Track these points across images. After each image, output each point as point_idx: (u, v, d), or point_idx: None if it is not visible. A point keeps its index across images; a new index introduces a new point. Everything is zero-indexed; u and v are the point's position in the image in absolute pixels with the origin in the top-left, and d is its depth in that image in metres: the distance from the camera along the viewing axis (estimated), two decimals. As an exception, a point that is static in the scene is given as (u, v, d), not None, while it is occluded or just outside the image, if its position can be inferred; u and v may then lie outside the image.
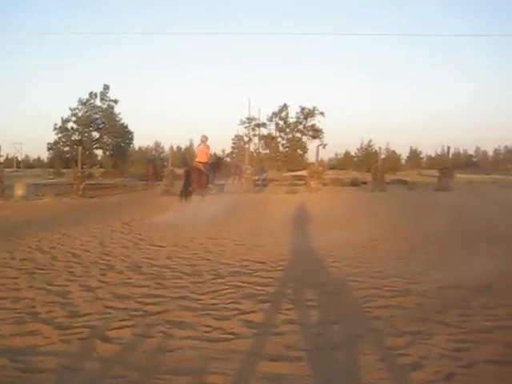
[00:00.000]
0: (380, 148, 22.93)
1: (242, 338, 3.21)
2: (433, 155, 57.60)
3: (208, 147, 13.46)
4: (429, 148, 79.82)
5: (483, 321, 3.42)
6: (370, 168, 23.40)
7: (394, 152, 54.24)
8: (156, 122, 72.65)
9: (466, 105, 68.87)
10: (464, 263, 5.42)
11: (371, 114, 76.10)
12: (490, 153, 66.20)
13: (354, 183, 24.81)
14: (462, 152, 66.98)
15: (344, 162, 52.91)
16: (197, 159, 13.27)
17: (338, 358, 2.93)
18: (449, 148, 30.55)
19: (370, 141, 51.94)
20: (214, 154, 23.71)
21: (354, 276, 4.95)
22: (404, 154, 57.26)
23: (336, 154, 60.58)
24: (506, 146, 65.32)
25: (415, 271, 5.10)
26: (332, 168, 47.04)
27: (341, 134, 78.77)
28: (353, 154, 53.00)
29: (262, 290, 4.39)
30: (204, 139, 13.31)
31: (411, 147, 65.97)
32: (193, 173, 13.06)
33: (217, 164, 15.36)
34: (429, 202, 15.10)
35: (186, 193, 12.94)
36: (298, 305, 3.94)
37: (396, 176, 32.41)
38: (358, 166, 44.32)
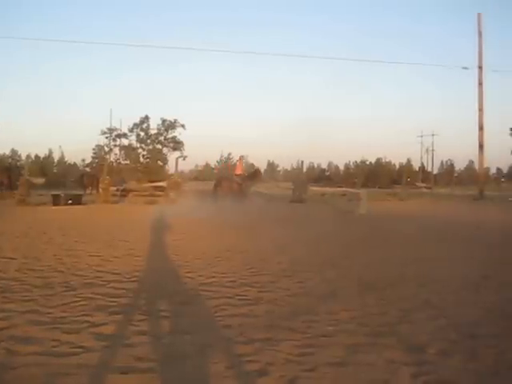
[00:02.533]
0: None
1: (91, 352, 3.16)
2: (289, 168, 62.61)
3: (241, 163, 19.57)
4: (285, 161, 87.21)
5: (327, 326, 3.76)
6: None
7: (252, 165, 57.49)
8: (13, 128, 69.97)
9: (322, 119, 77.42)
10: (313, 272, 5.94)
11: (232, 126, 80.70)
12: (341, 167, 75.05)
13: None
14: (315, 166, 74.39)
15: (204, 173, 54.53)
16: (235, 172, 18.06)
17: (188, 367, 2.95)
18: (302, 162, 33.01)
19: (229, 154, 54.28)
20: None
21: (208, 286, 5.08)
22: (262, 166, 61.37)
23: (196, 166, 61.88)
24: (356, 162, 74.85)
25: (267, 280, 5.42)
26: (194, 179, 47.98)
27: (202, 146, 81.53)
28: (212, 165, 54.92)
29: (115, 302, 4.36)
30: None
31: (269, 160, 70.62)
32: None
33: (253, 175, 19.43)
34: (284, 212, 16.39)
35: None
36: (151, 316, 3.95)
37: (255, 188, 34.68)
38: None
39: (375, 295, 4.77)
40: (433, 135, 62.35)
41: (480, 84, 27.82)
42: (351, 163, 75.03)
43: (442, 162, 75.47)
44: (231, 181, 20.97)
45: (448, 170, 72.89)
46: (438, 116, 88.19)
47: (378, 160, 74.01)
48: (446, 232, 10.76)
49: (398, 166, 73.09)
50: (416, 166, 69.01)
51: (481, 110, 27.77)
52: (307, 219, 14.29)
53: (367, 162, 73.67)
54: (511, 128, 68.56)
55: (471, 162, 68.52)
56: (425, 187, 45.58)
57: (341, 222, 13.65)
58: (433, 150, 62.20)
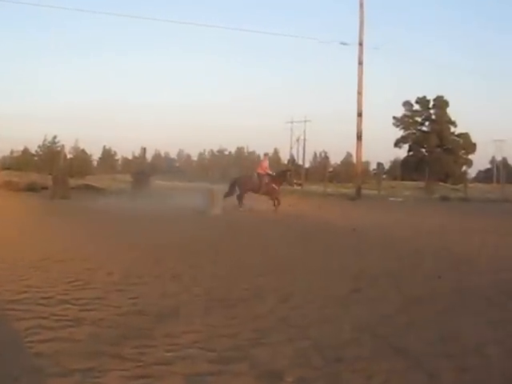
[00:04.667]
0: (64, 146, 23.51)
1: None
2: (130, 157, 61.47)
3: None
4: (126, 148, 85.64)
5: (164, 351, 3.92)
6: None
7: (83, 151, 55.27)
8: None
9: (174, 102, 77.52)
10: (151, 285, 6.14)
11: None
12: (195, 157, 75.88)
13: (32, 188, 25.60)
14: (163, 155, 74.17)
15: (22, 162, 50.91)
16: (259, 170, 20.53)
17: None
18: (145, 149, 32.82)
19: (55, 137, 51.37)
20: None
21: (17, 303, 5.00)
22: (96, 154, 59.35)
23: (12, 152, 57.43)
24: (212, 151, 76.39)
25: (92, 296, 5.45)
26: (6, 168, 44.69)
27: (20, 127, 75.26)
28: (33, 151, 51.60)
29: None
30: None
31: (105, 146, 68.27)
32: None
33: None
34: (118, 212, 16.33)
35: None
36: None
37: (85, 180, 33.62)
38: (39, 167, 43.72)
39: (225, 313, 5.06)
40: (305, 121, 66.28)
41: (360, 63, 30.64)
42: (206, 153, 76.55)
43: (315, 153, 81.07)
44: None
45: (322, 163, 78.52)
46: (312, 99, 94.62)
47: (240, 150, 76.44)
48: (315, 237, 11.81)
49: (262, 158, 76.12)
50: (284, 157, 72.78)
51: (360, 93, 30.58)
52: (143, 220, 14.52)
53: (226, 152, 75.67)
54: (395, 116, 77.82)
55: (349, 155, 74.93)
56: (295, 183, 48.48)
57: (189, 223, 14.05)
58: (305, 140, 66.34)
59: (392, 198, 31.53)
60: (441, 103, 74.07)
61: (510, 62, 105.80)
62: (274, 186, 20.24)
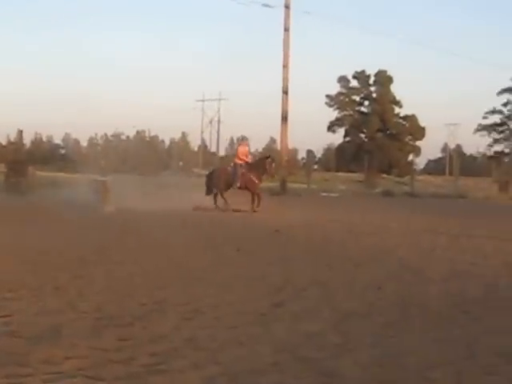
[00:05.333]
0: None
1: None
2: (4, 142, 59.23)
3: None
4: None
5: (42, 381, 3.84)
6: None
7: None
8: None
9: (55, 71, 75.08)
10: (27, 299, 6.03)
11: None
12: (84, 143, 74.33)
13: None
14: (44, 139, 72.17)
15: None
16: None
17: None
18: (22, 132, 31.84)
19: None
20: None
21: None
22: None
23: None
24: (106, 135, 75.00)
25: None
26: None
27: None
28: None
29: None
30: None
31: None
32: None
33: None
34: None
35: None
36: None
37: None
38: None
39: (117, 333, 5.04)
40: (219, 100, 66.30)
41: (286, 30, 31.01)
42: (98, 137, 75.30)
43: (231, 138, 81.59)
44: None
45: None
46: (229, 73, 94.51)
47: (140, 134, 76.09)
48: (230, 240, 11.92)
49: (168, 143, 75.92)
50: (195, 143, 72.76)
51: (286, 66, 31.00)
52: (18, 219, 14.39)
53: (123, 137, 75.30)
54: (328, 95, 78.81)
55: (272, 141, 75.93)
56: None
57: (75, 223, 13.97)
58: (219, 122, 66.30)
59: (324, 193, 32.22)
60: (383, 79, 76.38)
61: (464, 31, 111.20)
62: (251, 177, 20.20)
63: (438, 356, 4.69)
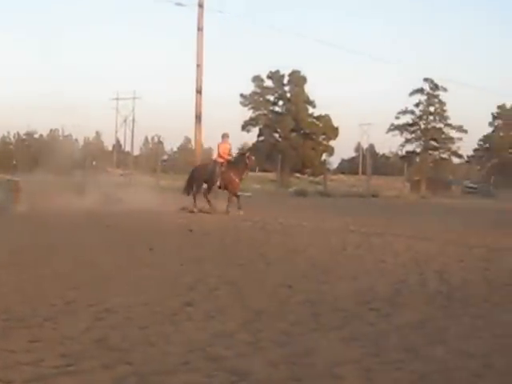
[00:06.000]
0: None
1: None
2: None
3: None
4: None
5: None
6: None
7: None
8: None
9: None
10: None
11: None
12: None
13: None
14: None
15: None
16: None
17: None
18: None
19: None
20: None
21: None
22: None
23: None
24: (18, 134, 72.85)
25: None
26: None
27: None
28: None
29: None
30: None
31: None
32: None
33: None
34: None
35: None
36: None
37: None
38: None
39: (26, 335, 4.97)
40: (134, 99, 65.73)
41: (200, 29, 30.90)
42: (11, 136, 73.39)
43: (146, 138, 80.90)
44: None
45: (155, 149, 78.33)
46: (143, 72, 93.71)
47: (53, 132, 74.53)
48: (142, 239, 11.92)
49: (82, 143, 74.76)
50: (109, 143, 71.82)
51: (199, 65, 30.90)
52: None
53: (36, 135, 73.48)
54: (242, 94, 79.04)
55: (187, 140, 75.67)
56: (122, 174, 47.81)
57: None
58: (133, 121, 65.70)
59: (248, 194, 32.35)
60: (297, 79, 77.17)
61: (377, 32, 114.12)
62: (232, 176, 19.26)
63: (347, 353, 4.77)
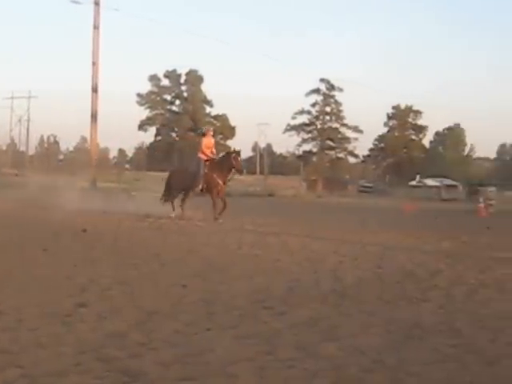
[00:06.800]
0: None
1: None
2: None
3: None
4: None
5: None
6: None
7: None
8: None
9: None
10: None
11: None
12: None
13: None
14: None
15: None
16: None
17: None
18: None
19: None
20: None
21: None
22: None
23: None
24: None
25: None
26: None
27: None
28: None
29: None
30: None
31: None
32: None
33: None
34: None
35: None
36: None
37: None
38: None
39: None
40: (29, 98, 63.99)
41: (96, 27, 30.56)
42: None
43: (42, 137, 78.71)
44: None
45: (50, 149, 76.54)
46: (38, 71, 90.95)
47: None
48: (34, 239, 11.80)
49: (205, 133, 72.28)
50: (3, 142, 69.66)
51: (95, 64, 30.57)
52: None
53: None
54: (139, 93, 78.21)
55: (83, 140, 74.01)
56: (17, 174, 46.37)
57: None
58: (29, 120, 63.97)
59: (134, 193, 32.04)
60: (194, 79, 77.30)
61: (273, 32, 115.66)
62: (216, 178, 17.23)
63: (240, 352, 4.82)
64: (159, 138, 77.53)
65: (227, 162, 17.51)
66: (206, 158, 17.54)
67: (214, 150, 18.21)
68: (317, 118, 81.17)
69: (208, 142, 18.14)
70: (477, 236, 14.92)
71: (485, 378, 4.37)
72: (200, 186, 17.33)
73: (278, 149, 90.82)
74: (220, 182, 17.28)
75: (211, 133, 18.95)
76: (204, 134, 18.88)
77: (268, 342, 5.11)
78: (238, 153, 18.03)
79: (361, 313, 6.39)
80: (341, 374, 4.38)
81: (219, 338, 5.18)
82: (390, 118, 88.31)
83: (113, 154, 76.59)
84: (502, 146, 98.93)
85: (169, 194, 18.31)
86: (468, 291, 7.68)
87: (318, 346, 5.04)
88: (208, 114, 78.10)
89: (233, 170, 17.66)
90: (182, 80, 77.89)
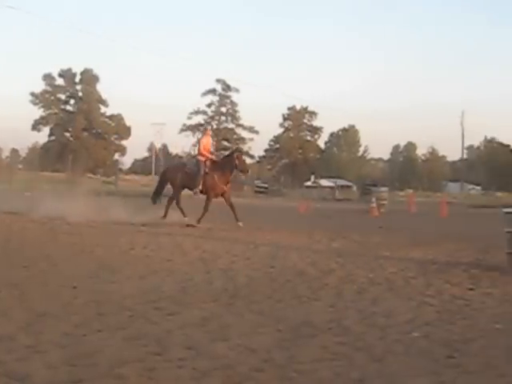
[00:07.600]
0: None
1: None
2: None
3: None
4: None
5: None
6: None
7: None
8: None
9: None
10: None
11: None
12: None
13: None
14: None
15: None
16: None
17: None
18: None
19: None
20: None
21: None
22: None
23: None
24: None
25: None
26: None
27: None
28: None
29: None
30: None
31: None
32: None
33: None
34: None
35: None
36: None
37: None
38: None
39: None
40: None
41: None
42: None
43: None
44: None
45: None
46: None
47: None
48: None
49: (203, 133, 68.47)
50: None
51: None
52: None
53: None
54: (33, 93, 75.85)
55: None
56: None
57: None
58: None
59: (28, 193, 31.19)
60: (89, 78, 75.81)
61: (183, 33, 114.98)
62: (216, 179, 16.19)
63: (130, 353, 4.82)
64: (53, 137, 75.46)
65: (230, 161, 16.62)
66: (204, 159, 16.60)
67: (209, 151, 17.46)
68: (212, 118, 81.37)
69: (207, 142, 17.54)
70: (368, 235, 15.26)
71: (372, 374, 4.52)
72: (200, 187, 16.45)
73: (174, 149, 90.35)
74: (221, 186, 16.44)
75: (210, 132, 19.14)
76: (203, 135, 18.95)
77: (158, 343, 5.12)
78: (241, 152, 17.64)
79: (252, 312, 6.48)
80: (231, 373, 4.45)
81: (109, 340, 5.16)
82: (285, 118, 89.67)
83: (5, 153, 73.90)
84: (396, 147, 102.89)
85: (160, 193, 17.60)
86: (358, 290, 7.90)
87: (209, 346, 5.09)
88: (103, 114, 76.68)
89: (234, 171, 17.00)
90: (77, 79, 76.26)
